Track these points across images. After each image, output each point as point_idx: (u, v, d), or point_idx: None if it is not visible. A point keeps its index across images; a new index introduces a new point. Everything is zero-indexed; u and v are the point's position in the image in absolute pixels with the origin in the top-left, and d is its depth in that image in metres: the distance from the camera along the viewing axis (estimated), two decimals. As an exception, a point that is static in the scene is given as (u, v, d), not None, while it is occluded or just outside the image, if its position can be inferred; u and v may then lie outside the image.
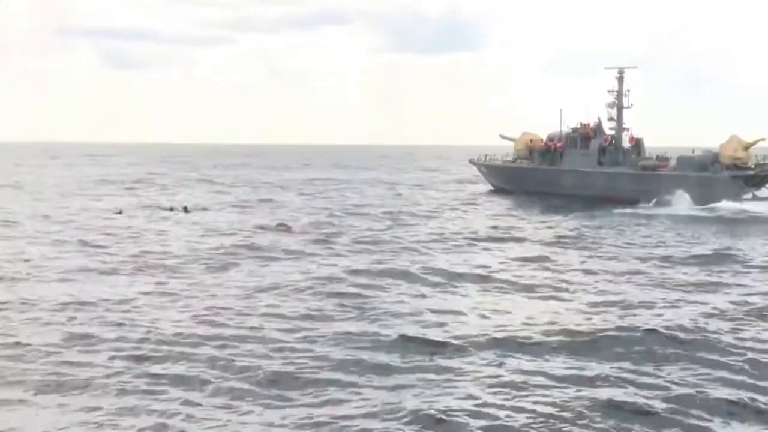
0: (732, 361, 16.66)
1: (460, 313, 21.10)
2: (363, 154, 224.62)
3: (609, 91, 66.55)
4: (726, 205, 54.29)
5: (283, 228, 41.02)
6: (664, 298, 23.26)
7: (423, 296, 23.35)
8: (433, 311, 21.24)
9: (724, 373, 15.85)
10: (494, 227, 41.99)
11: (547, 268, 28.79)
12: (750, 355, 17.03)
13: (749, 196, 58.36)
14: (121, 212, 48.44)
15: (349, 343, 17.80)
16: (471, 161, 76.56)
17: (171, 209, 50.67)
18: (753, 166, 59.12)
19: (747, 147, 59.18)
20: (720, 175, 57.59)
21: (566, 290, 24.48)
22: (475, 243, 35.72)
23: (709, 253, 32.97)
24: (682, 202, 55.60)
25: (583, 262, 30.75)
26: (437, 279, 26.02)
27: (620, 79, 66.51)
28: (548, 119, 62.60)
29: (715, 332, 18.84)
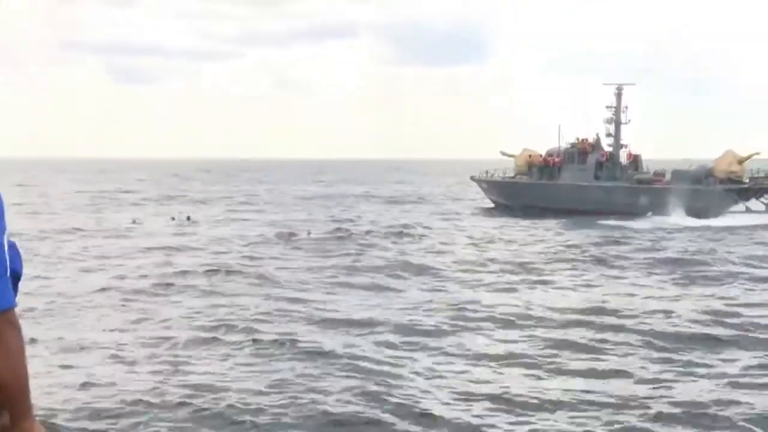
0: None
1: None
2: (369, 169, 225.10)
3: (607, 107, 68.21)
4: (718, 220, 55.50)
5: (292, 236, 42.84)
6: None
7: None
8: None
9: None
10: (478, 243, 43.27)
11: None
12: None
13: (743, 209, 59.79)
14: (134, 221, 52.21)
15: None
16: (472, 178, 77.70)
17: (172, 218, 54.32)
18: (747, 180, 60.66)
19: (741, 161, 60.70)
20: (713, 188, 59.09)
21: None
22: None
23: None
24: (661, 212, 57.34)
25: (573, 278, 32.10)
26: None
27: (618, 96, 68.13)
28: (556, 131, 64.57)
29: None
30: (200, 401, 14.89)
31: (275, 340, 19.46)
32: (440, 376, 16.95)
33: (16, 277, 3.23)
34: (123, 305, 24.48)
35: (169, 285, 27.88)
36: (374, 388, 15.72)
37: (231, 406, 14.66)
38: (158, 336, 20.30)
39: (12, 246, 3.23)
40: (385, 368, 17.28)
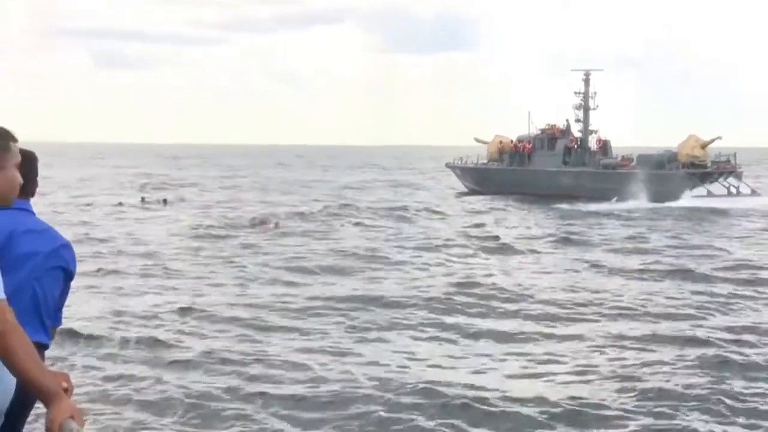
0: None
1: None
2: (356, 155, 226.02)
3: (575, 93, 70.13)
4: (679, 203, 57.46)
5: (263, 223, 41.97)
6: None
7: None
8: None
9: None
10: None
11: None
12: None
13: (704, 192, 61.70)
14: (121, 204, 52.78)
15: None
16: (447, 165, 79.35)
17: (142, 200, 54.97)
18: (709, 164, 62.69)
19: (704, 145, 62.81)
20: (676, 172, 61.22)
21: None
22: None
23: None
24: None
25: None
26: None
27: (586, 81, 70.01)
28: (539, 117, 67.05)
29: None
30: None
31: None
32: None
33: (70, 276, 3.53)
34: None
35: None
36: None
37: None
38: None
39: (67, 246, 3.53)
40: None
